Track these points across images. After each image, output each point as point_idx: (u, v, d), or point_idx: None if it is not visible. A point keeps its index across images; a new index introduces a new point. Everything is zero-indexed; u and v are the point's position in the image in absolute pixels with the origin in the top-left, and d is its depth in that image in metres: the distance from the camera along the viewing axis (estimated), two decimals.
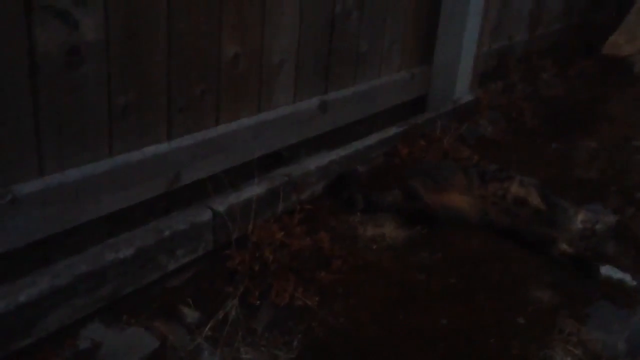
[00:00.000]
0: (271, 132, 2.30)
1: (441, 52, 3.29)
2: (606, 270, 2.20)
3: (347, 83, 2.76)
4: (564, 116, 3.59)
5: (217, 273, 1.90)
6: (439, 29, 3.25)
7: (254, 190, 2.06)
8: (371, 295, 1.94)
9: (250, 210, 2.01)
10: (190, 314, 1.74)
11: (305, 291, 1.90)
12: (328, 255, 2.06)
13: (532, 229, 2.27)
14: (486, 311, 1.92)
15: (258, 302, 1.84)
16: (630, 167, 2.98)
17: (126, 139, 1.80)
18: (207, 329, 1.69)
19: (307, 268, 1.98)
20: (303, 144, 2.50)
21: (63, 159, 1.63)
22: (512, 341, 1.81)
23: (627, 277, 2.18)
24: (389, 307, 1.89)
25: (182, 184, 1.97)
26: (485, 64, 3.82)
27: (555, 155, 3.09)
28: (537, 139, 3.30)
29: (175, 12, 1.83)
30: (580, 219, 2.26)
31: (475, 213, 2.34)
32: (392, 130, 2.84)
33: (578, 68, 4.46)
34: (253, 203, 2.02)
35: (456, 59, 3.27)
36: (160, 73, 1.84)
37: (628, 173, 2.89)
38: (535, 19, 4.53)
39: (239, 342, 1.69)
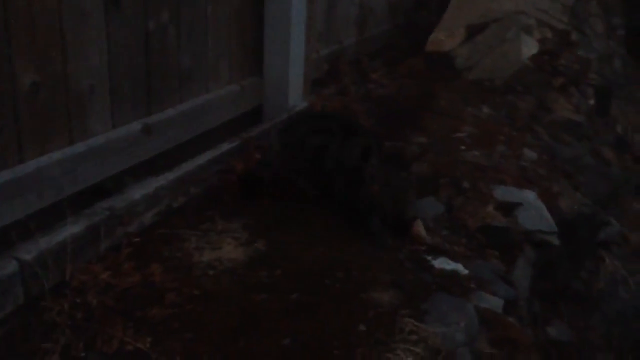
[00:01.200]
0: (88, 164, 2.13)
1: (270, 62, 3.27)
2: (440, 262, 2.27)
3: (173, 102, 2.64)
4: (395, 114, 3.71)
5: (33, 329, 1.71)
6: (265, 40, 3.22)
7: (69, 230, 1.89)
8: (209, 325, 1.83)
9: (65, 253, 1.83)
10: None
11: (136, 333, 1.76)
12: (160, 289, 1.93)
13: None
14: (329, 323, 1.89)
15: (83, 354, 1.67)
16: (457, 157, 3.13)
17: None
18: None
19: (137, 307, 1.84)
20: (127, 173, 2.34)
21: None
22: (356, 349, 1.79)
23: (459, 267, 2.26)
24: (229, 335, 1.80)
25: None
26: (318, 69, 3.86)
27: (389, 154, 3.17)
28: None
29: None
30: None
31: None
32: (225, 146, 2.75)
33: (407, 66, 4.65)
34: (68, 245, 1.84)
35: (285, 67, 3.26)
36: None
37: (455, 164, 3.03)
38: (362, 22, 4.66)
39: None
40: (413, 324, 1.91)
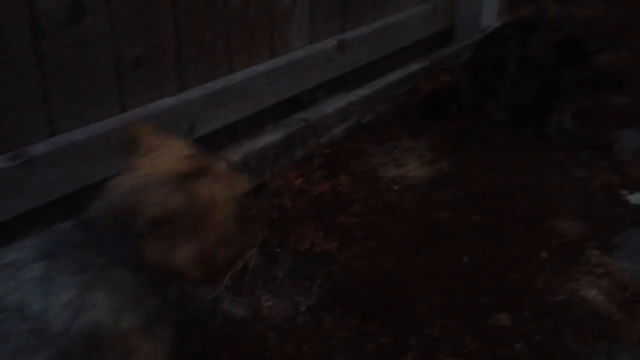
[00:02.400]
0: (287, 77, 2.27)
1: None
2: (636, 197, 2.12)
3: (366, 20, 2.68)
4: (599, 38, 3.41)
5: None
6: None
7: (270, 137, 2.05)
8: (392, 237, 1.93)
9: (266, 158, 2.00)
10: None
11: (325, 236, 1.90)
12: (348, 199, 2.05)
13: None
14: (510, 247, 1.89)
15: (278, 249, 1.85)
16: None
17: (138, 93, 1.80)
18: (227, 278, 1.72)
19: (326, 213, 1.98)
20: (321, 87, 2.45)
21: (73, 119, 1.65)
22: (536, 275, 1.78)
23: None
24: (409, 247, 1.88)
25: (198, 135, 1.98)
26: None
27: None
28: None
29: None
30: None
31: None
32: (414, 67, 2.76)
33: None
34: (268, 151, 2.01)
35: None
36: (167, 22, 1.82)
37: None
38: None
39: (260, 290, 1.72)
40: (600, 257, 1.84)
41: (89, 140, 1.65)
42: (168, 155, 1.06)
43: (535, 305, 1.68)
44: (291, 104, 2.33)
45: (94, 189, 1.11)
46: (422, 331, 1.59)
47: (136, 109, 1.80)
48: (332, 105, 2.35)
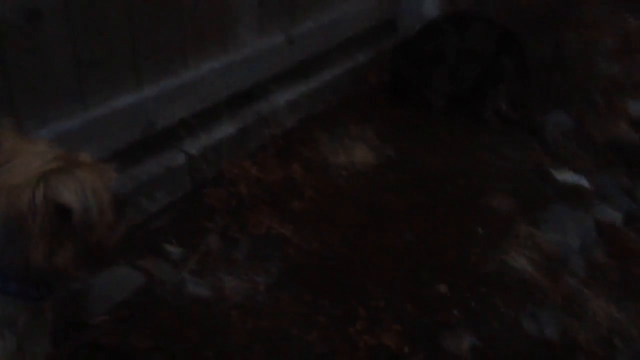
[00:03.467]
0: (239, 72, 2.39)
1: None
2: (563, 175, 2.34)
3: (314, 14, 2.81)
4: (534, 25, 3.62)
5: (197, 211, 2.05)
6: None
7: (225, 129, 2.18)
8: (342, 219, 2.09)
9: (222, 149, 2.14)
10: (174, 251, 1.90)
11: (281, 221, 2.05)
12: (300, 185, 2.20)
13: None
14: (448, 224, 2.08)
15: (237, 234, 1.99)
16: (593, 71, 3.06)
17: (97, 93, 1.90)
18: (191, 262, 1.86)
19: (281, 199, 2.13)
20: (272, 80, 2.58)
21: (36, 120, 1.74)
22: (471, 249, 1.97)
23: (582, 180, 2.33)
24: (358, 228, 2.05)
25: (156, 129, 2.09)
26: None
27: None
28: None
29: None
30: None
31: None
32: (360, 58, 2.91)
33: None
34: (224, 142, 2.14)
35: None
36: (122, 24, 1.92)
37: (590, 78, 2.98)
38: None
39: (222, 272, 1.86)
40: (528, 230, 2.05)
41: (54, 140, 1.75)
42: (34, 155, 1.05)
43: (470, 275, 1.87)
44: (244, 97, 2.46)
45: None
46: (369, 303, 1.76)
47: (97, 107, 1.91)
48: (283, 97, 2.49)
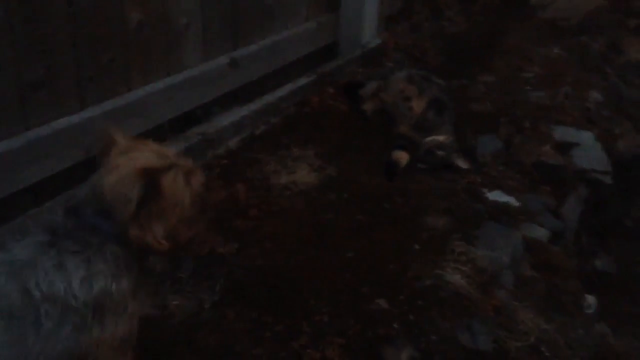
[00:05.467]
0: (183, 94, 2.43)
1: None
2: (494, 194, 2.48)
3: (256, 38, 2.89)
4: (465, 52, 3.82)
5: None
6: None
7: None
8: (285, 238, 2.14)
9: None
10: None
11: (225, 240, 2.09)
12: (245, 205, 2.25)
13: None
14: (387, 242, 2.16)
15: (181, 253, 2.01)
16: (520, 97, 3.26)
17: (40, 114, 1.90)
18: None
19: (225, 218, 2.17)
20: (216, 102, 2.64)
21: None
22: (409, 264, 2.06)
23: (511, 200, 2.47)
24: (301, 246, 2.11)
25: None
26: (392, 6, 3.99)
27: (455, 91, 3.33)
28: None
29: None
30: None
31: None
32: (302, 81, 3.00)
33: (481, 3, 4.67)
34: None
35: (360, 4, 3.42)
36: (66, 46, 1.94)
37: (518, 104, 3.17)
38: None
39: (167, 291, 1.88)
40: (463, 247, 2.16)
41: None
42: (143, 153, 1.34)
43: (408, 290, 1.96)
44: (188, 118, 2.50)
45: None
46: (312, 318, 1.82)
47: (39, 127, 1.91)
48: (227, 119, 2.54)
